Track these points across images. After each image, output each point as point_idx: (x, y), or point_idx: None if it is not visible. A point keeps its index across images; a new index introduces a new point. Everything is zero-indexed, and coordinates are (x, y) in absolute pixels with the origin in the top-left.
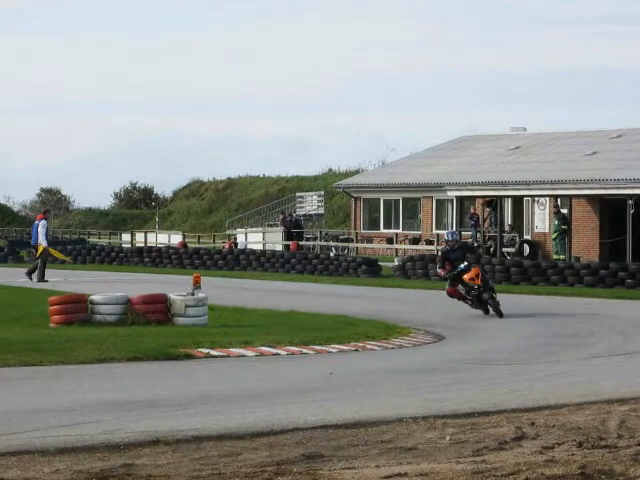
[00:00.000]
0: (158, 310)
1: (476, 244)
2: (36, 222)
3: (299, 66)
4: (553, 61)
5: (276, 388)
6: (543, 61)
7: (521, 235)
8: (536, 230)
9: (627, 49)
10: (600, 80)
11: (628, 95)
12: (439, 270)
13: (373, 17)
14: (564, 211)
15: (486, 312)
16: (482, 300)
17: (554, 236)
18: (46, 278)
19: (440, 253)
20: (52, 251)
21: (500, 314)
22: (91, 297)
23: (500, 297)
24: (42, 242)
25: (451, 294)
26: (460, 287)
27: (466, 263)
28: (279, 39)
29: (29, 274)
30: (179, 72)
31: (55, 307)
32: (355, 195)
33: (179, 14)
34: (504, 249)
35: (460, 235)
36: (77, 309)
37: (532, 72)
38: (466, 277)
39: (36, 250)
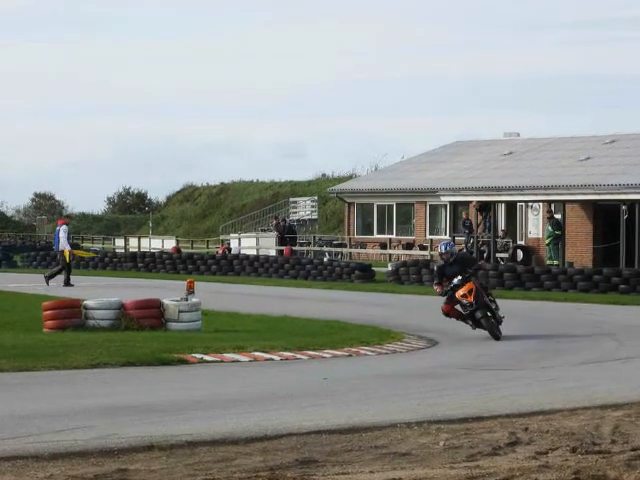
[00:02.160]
0: (152, 315)
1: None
2: (58, 228)
3: (292, 70)
4: (547, 66)
5: (270, 393)
6: (537, 66)
7: (514, 240)
8: (530, 235)
9: (622, 54)
10: (594, 86)
11: (622, 100)
12: (435, 287)
13: (366, 21)
14: (557, 216)
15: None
16: (475, 319)
17: (547, 241)
18: (72, 282)
19: (435, 268)
20: (77, 252)
21: (495, 336)
22: (85, 302)
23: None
24: (65, 247)
25: (447, 313)
26: (459, 305)
27: (460, 277)
28: (272, 43)
29: (67, 282)
30: (173, 77)
31: (49, 312)
32: (348, 200)
33: (174, 18)
34: (497, 254)
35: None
36: (71, 314)
37: (525, 77)
38: (458, 293)
39: (64, 256)
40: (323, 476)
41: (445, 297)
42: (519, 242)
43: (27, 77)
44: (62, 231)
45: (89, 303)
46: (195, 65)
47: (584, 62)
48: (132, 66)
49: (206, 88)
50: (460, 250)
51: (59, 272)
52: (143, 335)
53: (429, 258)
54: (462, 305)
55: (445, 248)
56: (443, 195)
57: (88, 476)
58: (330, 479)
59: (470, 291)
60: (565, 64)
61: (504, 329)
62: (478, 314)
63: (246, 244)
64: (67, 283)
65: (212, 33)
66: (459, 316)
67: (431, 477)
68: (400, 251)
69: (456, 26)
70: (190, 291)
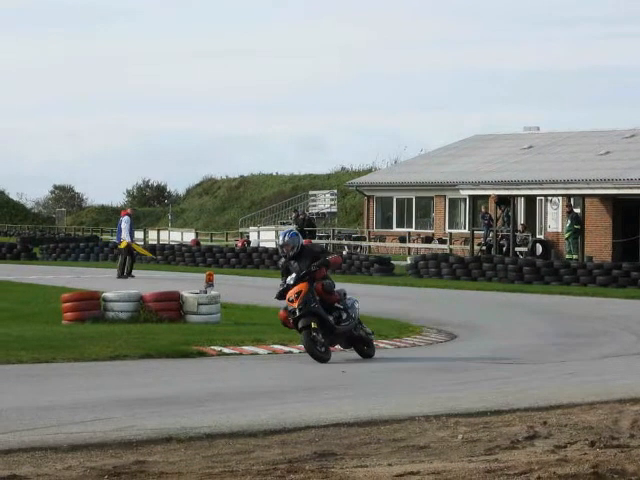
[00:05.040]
0: (171, 308)
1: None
2: (120, 219)
3: (313, 64)
4: (567, 60)
5: (288, 386)
6: (557, 60)
7: (534, 235)
8: (549, 230)
9: None
10: (614, 79)
11: None
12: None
13: (384, 15)
14: (577, 211)
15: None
16: (299, 329)
17: (567, 236)
18: (133, 273)
19: (280, 264)
20: (136, 247)
21: (317, 357)
22: (104, 294)
23: (512, 296)
24: (125, 238)
25: (283, 322)
26: None
27: (294, 275)
28: (293, 36)
29: (122, 274)
30: (192, 71)
31: (68, 304)
32: (368, 194)
33: (188, 13)
34: (517, 249)
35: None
36: (90, 306)
37: (546, 71)
38: (287, 296)
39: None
40: (341, 469)
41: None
42: (538, 236)
43: (46, 71)
44: (124, 222)
45: (108, 295)
46: (214, 59)
47: (605, 56)
48: (151, 61)
49: (226, 83)
50: (479, 244)
51: (125, 264)
52: (162, 327)
53: (448, 252)
54: (288, 311)
55: (284, 238)
56: (462, 189)
57: (106, 467)
58: (348, 472)
59: (298, 294)
60: (586, 58)
61: (520, 324)
62: (300, 324)
63: (265, 237)
64: (122, 274)
65: (225, 32)
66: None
67: (449, 470)
68: (419, 245)
69: (475, 20)
70: (209, 283)
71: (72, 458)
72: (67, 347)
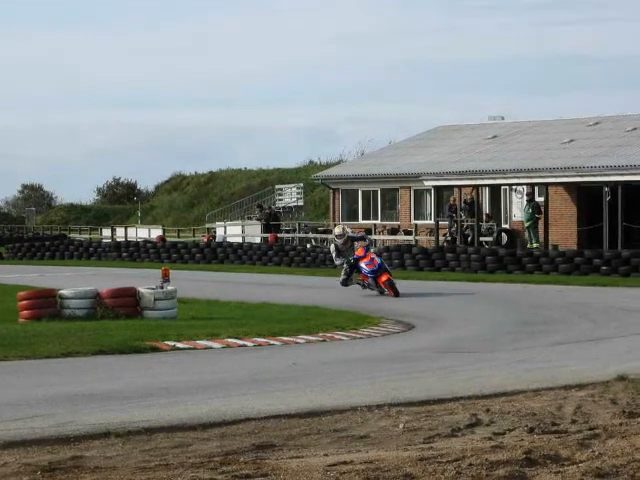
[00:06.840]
0: (127, 304)
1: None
2: None
3: (278, 56)
4: (531, 49)
5: (236, 379)
6: (521, 49)
7: (499, 224)
8: (514, 219)
9: (605, 36)
10: (578, 67)
11: (606, 83)
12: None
13: (342, 7)
14: (541, 199)
15: None
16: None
17: (527, 225)
18: None
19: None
20: None
21: None
22: (60, 292)
23: (474, 286)
24: None
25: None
26: None
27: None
28: (237, 32)
29: None
30: (159, 67)
31: (24, 302)
32: (333, 186)
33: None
34: (482, 238)
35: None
36: (46, 304)
37: (510, 60)
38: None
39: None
40: (276, 460)
41: None
42: (504, 225)
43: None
44: None
45: (64, 292)
46: (166, 58)
47: (569, 44)
48: (113, 54)
49: (197, 78)
50: (445, 235)
51: None
52: (118, 324)
53: (414, 243)
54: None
55: (346, 232)
56: (426, 180)
57: (42, 463)
58: (282, 463)
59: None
60: (550, 46)
61: (480, 313)
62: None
63: (232, 232)
64: None
65: (190, 29)
66: None
67: (382, 459)
68: (385, 236)
69: (437, 10)
70: (165, 279)
71: (8, 455)
72: (20, 345)
